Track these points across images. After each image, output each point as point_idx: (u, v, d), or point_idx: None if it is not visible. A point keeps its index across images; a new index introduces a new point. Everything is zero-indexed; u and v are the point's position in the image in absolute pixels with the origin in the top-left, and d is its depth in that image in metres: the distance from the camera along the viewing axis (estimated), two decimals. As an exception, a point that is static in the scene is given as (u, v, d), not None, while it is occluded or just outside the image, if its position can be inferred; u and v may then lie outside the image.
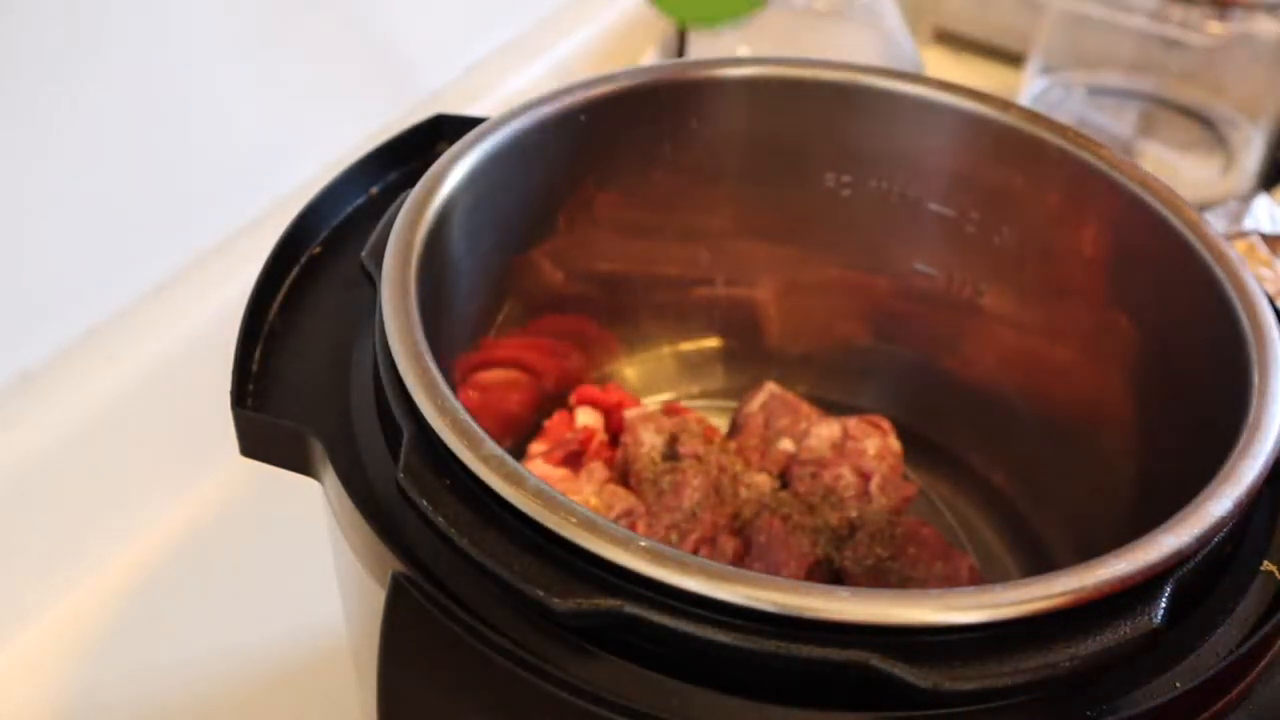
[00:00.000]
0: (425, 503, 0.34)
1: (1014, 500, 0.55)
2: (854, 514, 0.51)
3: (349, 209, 0.47)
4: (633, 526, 0.48)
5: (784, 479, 0.53)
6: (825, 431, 0.54)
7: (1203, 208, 0.69)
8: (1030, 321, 0.52)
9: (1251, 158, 0.88)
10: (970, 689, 0.30)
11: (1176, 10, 0.88)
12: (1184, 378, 0.44)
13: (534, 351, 0.55)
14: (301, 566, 0.55)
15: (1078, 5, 0.92)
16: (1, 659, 0.55)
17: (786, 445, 0.54)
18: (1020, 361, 0.54)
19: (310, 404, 0.40)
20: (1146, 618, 0.32)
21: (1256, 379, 0.38)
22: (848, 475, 0.52)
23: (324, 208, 0.46)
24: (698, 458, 0.51)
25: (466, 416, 0.34)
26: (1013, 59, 0.99)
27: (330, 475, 0.38)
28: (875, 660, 0.30)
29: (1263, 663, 0.34)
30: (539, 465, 0.52)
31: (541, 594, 0.31)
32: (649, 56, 0.95)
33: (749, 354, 0.59)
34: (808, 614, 0.30)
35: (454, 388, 0.36)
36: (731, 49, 0.87)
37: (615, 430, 0.54)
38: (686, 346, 0.59)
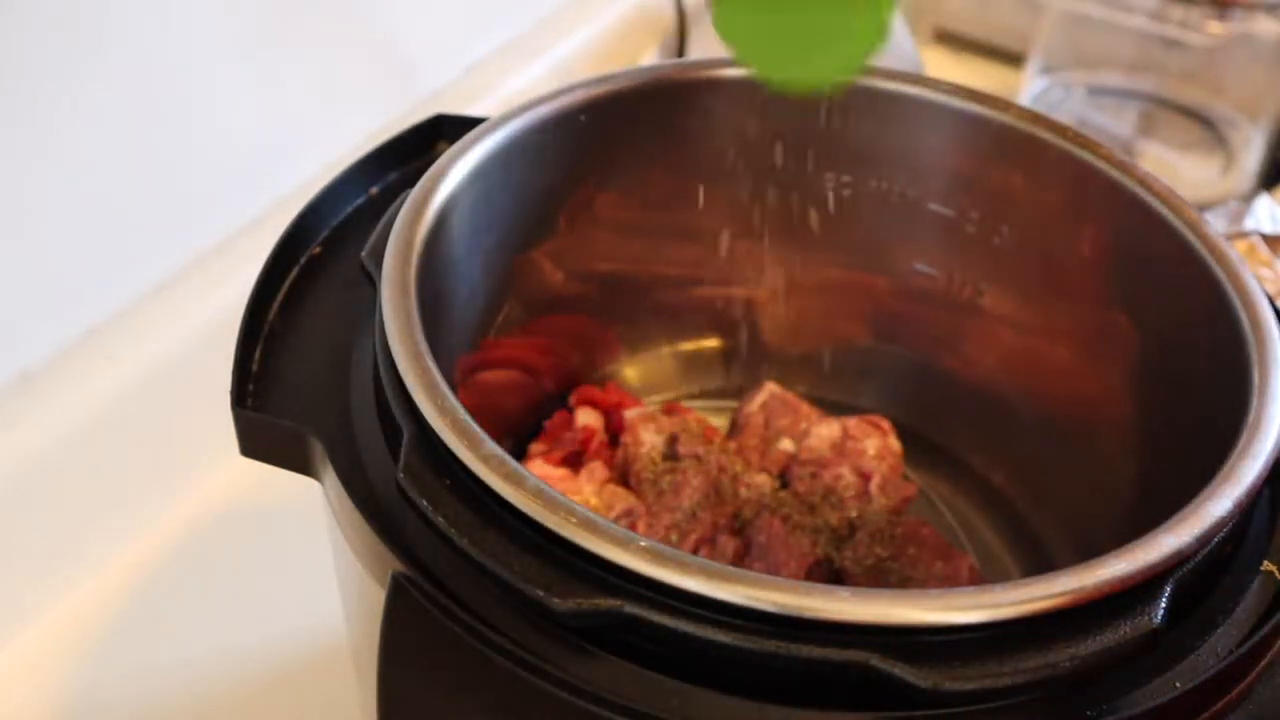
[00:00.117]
0: (425, 503, 0.34)
1: (1014, 500, 0.55)
2: (854, 514, 0.51)
3: (349, 209, 0.47)
4: (633, 526, 0.48)
5: (784, 479, 0.53)
6: (825, 431, 0.54)
7: (1203, 208, 0.69)
8: (1030, 321, 0.52)
9: (1251, 158, 0.88)
10: (970, 689, 0.30)
11: (1176, 10, 0.88)
12: (1184, 378, 0.44)
13: (534, 351, 0.55)
14: (301, 566, 0.55)
15: (1078, 5, 0.92)
16: (1, 659, 0.55)
17: (786, 445, 0.54)
18: (1020, 361, 0.54)
19: (310, 404, 0.40)
20: (1146, 618, 0.32)
21: (1256, 379, 0.38)
22: (848, 475, 0.52)
23: (324, 208, 0.46)
24: (698, 458, 0.51)
25: (466, 416, 0.34)
26: (1013, 59, 0.99)
27: (330, 475, 0.38)
28: (875, 660, 0.30)
29: (1263, 663, 0.34)
30: (539, 465, 0.52)
31: (541, 594, 0.31)
32: (649, 56, 0.95)
33: (749, 354, 0.59)
34: (808, 614, 0.30)
35: (454, 388, 0.36)
36: (731, 49, 0.87)
37: (615, 430, 0.54)
38: (686, 346, 0.59)
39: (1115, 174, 0.46)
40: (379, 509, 0.36)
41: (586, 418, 0.55)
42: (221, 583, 0.59)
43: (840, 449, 0.53)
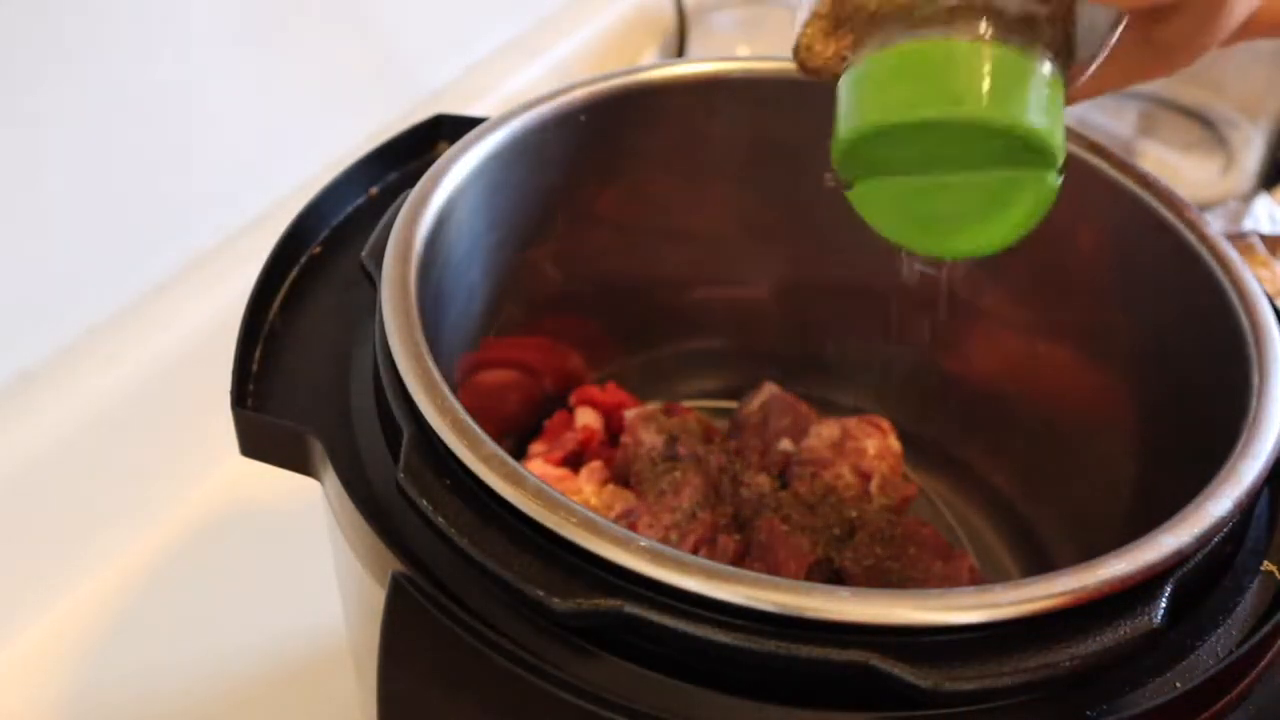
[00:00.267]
0: (425, 503, 0.34)
1: (1014, 500, 0.55)
2: (854, 514, 0.51)
3: (349, 209, 0.47)
4: (633, 526, 0.48)
5: (784, 479, 0.53)
6: (825, 431, 0.54)
7: (1203, 208, 0.69)
8: (1030, 321, 0.52)
9: (1251, 158, 0.88)
10: (970, 689, 0.30)
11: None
12: (1184, 378, 0.44)
13: (534, 351, 0.55)
14: (301, 566, 0.55)
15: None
16: (1, 659, 0.55)
17: (786, 445, 0.54)
18: (1020, 361, 0.53)
19: (310, 404, 0.40)
20: (1146, 618, 0.32)
21: (1256, 379, 0.38)
22: (848, 475, 0.52)
23: (324, 208, 0.46)
24: (697, 458, 0.51)
25: (466, 416, 0.34)
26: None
27: (330, 475, 0.38)
28: (875, 660, 0.30)
29: (1263, 663, 0.34)
30: (539, 465, 0.52)
31: (541, 594, 0.31)
32: (649, 56, 0.95)
33: (749, 354, 0.59)
34: (808, 614, 0.30)
35: (454, 388, 0.36)
36: (731, 49, 0.87)
37: (615, 430, 0.54)
38: (686, 346, 0.59)
39: (1115, 174, 0.46)
40: (379, 509, 0.36)
41: (586, 418, 0.55)
42: (221, 583, 0.59)
43: (840, 449, 0.53)
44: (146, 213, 0.60)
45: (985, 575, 0.51)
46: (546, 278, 0.53)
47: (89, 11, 0.53)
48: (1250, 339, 0.40)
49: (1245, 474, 0.35)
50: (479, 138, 0.45)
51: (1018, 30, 0.34)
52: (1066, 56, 0.35)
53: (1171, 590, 0.33)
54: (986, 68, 0.33)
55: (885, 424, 0.55)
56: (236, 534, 0.62)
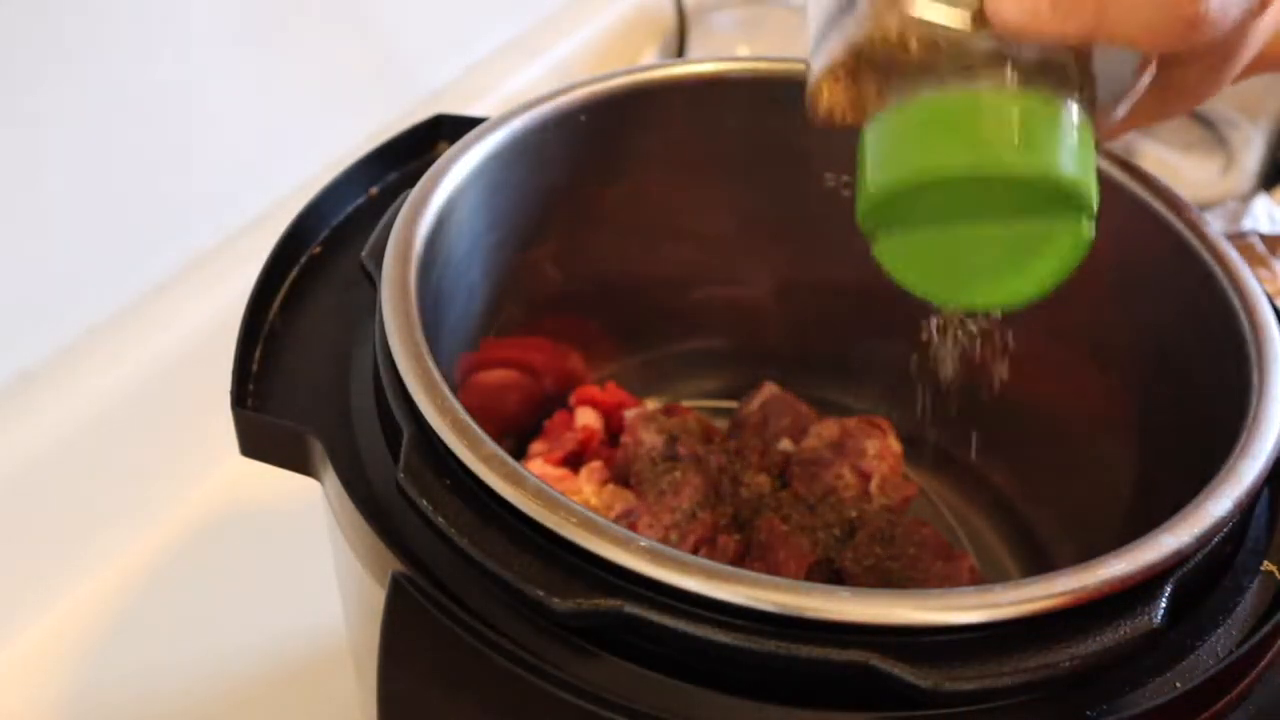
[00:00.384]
0: (425, 503, 0.34)
1: (1014, 500, 0.55)
2: (854, 514, 0.51)
3: (349, 209, 0.47)
4: (633, 526, 0.48)
5: (784, 479, 0.53)
6: (825, 431, 0.54)
7: (1203, 208, 0.69)
8: (1030, 321, 0.52)
9: (1251, 158, 0.88)
10: (970, 689, 0.30)
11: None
12: (1184, 378, 0.44)
13: (534, 351, 0.55)
14: (301, 566, 0.55)
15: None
16: (1, 659, 0.55)
17: (786, 445, 0.54)
18: (1020, 362, 0.53)
19: (310, 404, 0.40)
20: (1146, 618, 0.32)
21: (1256, 379, 0.38)
22: (848, 475, 0.52)
23: (324, 208, 0.46)
24: (698, 458, 0.51)
25: (466, 416, 0.34)
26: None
27: (330, 475, 0.38)
28: (875, 660, 0.30)
29: (1263, 663, 0.34)
30: (539, 465, 0.52)
31: (541, 594, 0.31)
32: (649, 56, 0.95)
33: (749, 354, 0.59)
34: (808, 614, 0.30)
35: (454, 388, 0.36)
36: (731, 49, 0.87)
37: (615, 430, 0.54)
38: (686, 346, 0.59)
39: (1115, 174, 0.46)
40: (379, 509, 0.36)
41: (586, 418, 0.55)
42: (221, 583, 0.59)
43: (840, 449, 0.53)
44: (146, 213, 0.60)
45: (985, 575, 0.51)
46: (546, 278, 0.53)
47: (89, 11, 0.53)
48: (1250, 339, 0.40)
49: (1245, 474, 0.35)
50: (479, 138, 0.45)
51: (1043, 77, 0.33)
52: (1091, 102, 0.35)
53: (1171, 590, 0.33)
54: (1017, 117, 0.33)
55: (885, 424, 0.55)
56: (236, 534, 0.62)
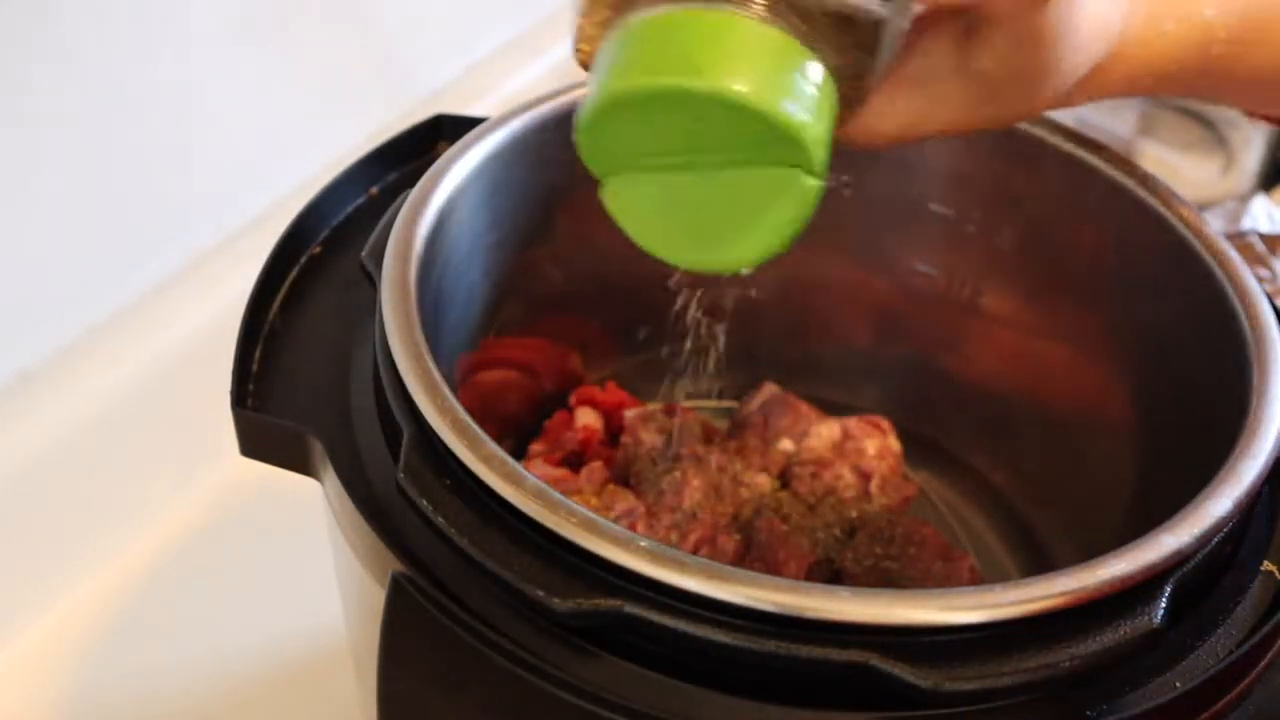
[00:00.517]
0: (425, 503, 0.34)
1: (1014, 500, 0.55)
2: (854, 514, 0.51)
3: (349, 209, 0.47)
4: (633, 526, 0.48)
5: (784, 479, 0.53)
6: (825, 431, 0.54)
7: (1202, 208, 0.69)
8: (1030, 321, 0.52)
9: (1251, 158, 0.88)
10: (970, 689, 0.30)
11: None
12: (1184, 378, 0.44)
13: (534, 351, 0.55)
14: (301, 566, 0.55)
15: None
16: (1, 659, 0.55)
17: (786, 445, 0.54)
18: (1020, 361, 0.53)
19: (310, 404, 0.40)
20: (1146, 618, 0.32)
21: (1256, 379, 0.38)
22: (848, 475, 0.52)
23: (324, 208, 0.46)
24: (698, 458, 0.51)
25: (466, 416, 0.34)
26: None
27: (330, 475, 0.38)
28: (875, 660, 0.30)
29: (1263, 663, 0.34)
30: (539, 465, 0.52)
31: (541, 594, 0.31)
32: (649, 56, 0.95)
33: (749, 354, 0.59)
34: (808, 614, 0.30)
35: (454, 388, 0.36)
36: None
37: (615, 430, 0.54)
38: (686, 346, 0.59)
39: (1115, 174, 0.46)
40: (379, 509, 0.36)
41: (586, 418, 0.55)
42: (222, 582, 0.59)
43: (840, 449, 0.53)
44: (146, 213, 0.60)
45: (985, 575, 0.51)
46: (546, 278, 0.53)
47: (89, 11, 0.53)
48: (1250, 339, 0.40)
49: (1245, 474, 0.35)
50: (479, 138, 0.45)
51: (791, 17, 0.30)
52: (857, 66, 0.32)
53: (1171, 590, 0.33)
54: (736, 40, 0.30)
55: (885, 424, 0.55)
56: (236, 534, 0.62)
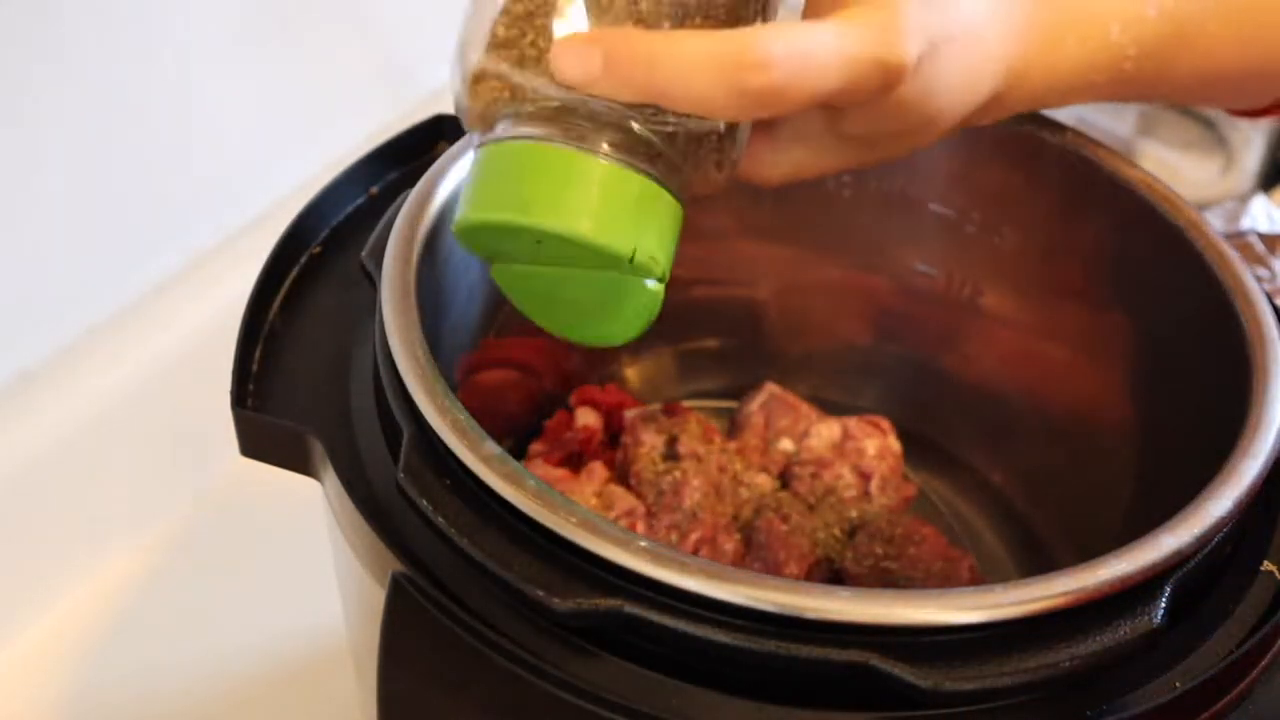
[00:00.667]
0: (425, 503, 0.34)
1: (1014, 500, 0.55)
2: (854, 514, 0.51)
3: (349, 209, 0.47)
4: (633, 526, 0.48)
5: (784, 479, 0.53)
6: (825, 431, 0.54)
7: (1202, 208, 0.69)
8: (1030, 321, 0.52)
9: (1251, 158, 0.88)
10: (970, 689, 0.30)
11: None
12: (1184, 378, 0.44)
13: (534, 351, 0.55)
14: (301, 566, 0.55)
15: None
16: (1, 659, 0.55)
17: (786, 445, 0.54)
18: (1020, 361, 0.53)
19: (310, 404, 0.40)
20: (1146, 618, 0.32)
21: (1256, 379, 0.38)
22: (848, 475, 0.52)
23: (324, 208, 0.46)
24: (698, 458, 0.51)
25: (466, 416, 0.34)
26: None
27: (330, 475, 0.38)
28: (875, 660, 0.30)
29: (1263, 663, 0.34)
30: (539, 465, 0.52)
31: (541, 594, 0.31)
32: (649, 56, 0.95)
33: (749, 354, 0.59)
34: (808, 614, 0.30)
35: (454, 388, 0.36)
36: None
37: (615, 430, 0.54)
38: (686, 346, 0.59)
39: (1115, 174, 0.46)
40: (379, 509, 0.36)
41: (586, 418, 0.54)
42: (222, 582, 0.59)
43: (840, 449, 0.53)
44: (146, 213, 0.60)
45: (985, 575, 0.51)
46: (546, 278, 0.53)
47: (89, 11, 0.53)
48: (1250, 339, 0.40)
49: (1245, 474, 0.35)
50: (479, 138, 0.45)
51: (620, 136, 0.33)
52: (714, 156, 0.35)
53: (1171, 590, 0.33)
54: (565, 174, 0.33)
55: (885, 424, 0.55)
56: (236, 534, 0.62)
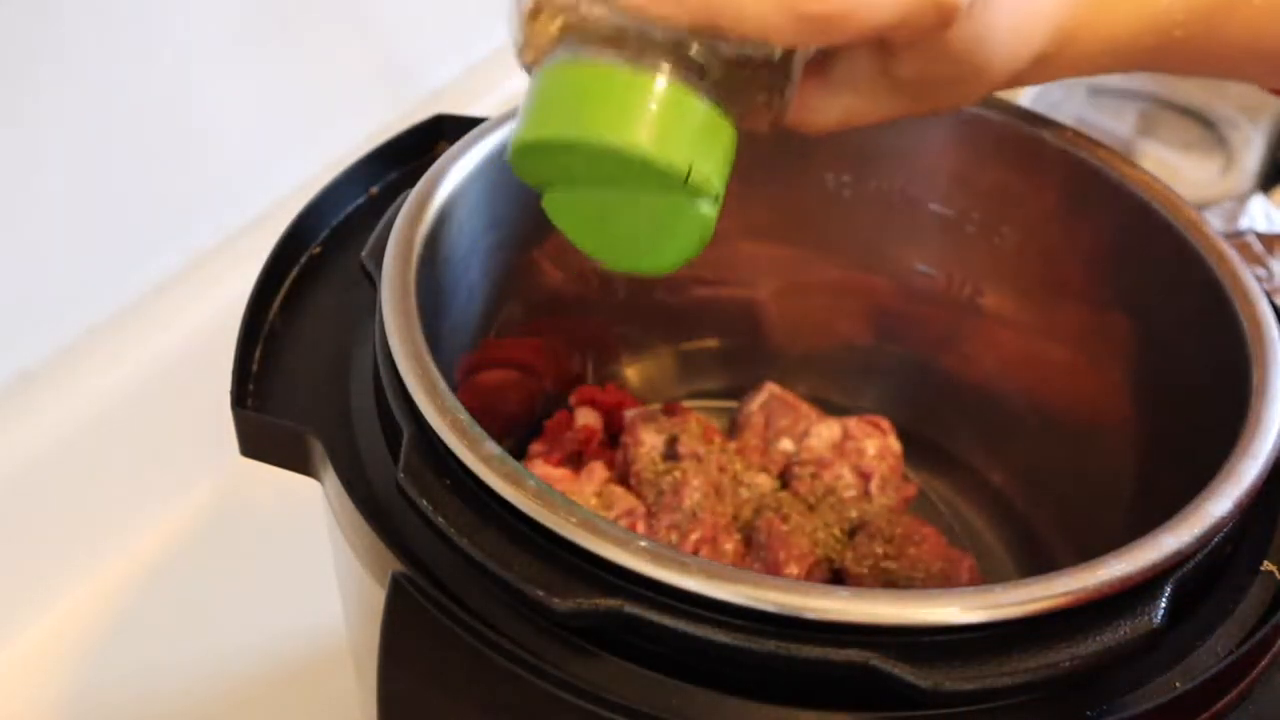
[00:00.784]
0: (425, 503, 0.34)
1: (1014, 500, 0.55)
2: (854, 514, 0.51)
3: (349, 209, 0.47)
4: (633, 526, 0.48)
5: (784, 479, 0.53)
6: (825, 431, 0.54)
7: (1202, 208, 0.69)
8: (1030, 321, 0.52)
9: (1251, 158, 0.88)
10: (970, 689, 0.30)
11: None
12: (1184, 377, 0.44)
13: (534, 351, 0.55)
14: (301, 566, 0.55)
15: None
16: (1, 659, 0.55)
17: (786, 445, 0.54)
18: (1020, 361, 0.54)
19: (310, 404, 0.40)
20: (1146, 618, 0.32)
21: (1256, 379, 0.38)
22: (848, 475, 0.52)
23: (324, 208, 0.46)
24: (698, 458, 0.51)
25: (466, 416, 0.34)
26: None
27: (330, 475, 0.38)
28: (875, 660, 0.30)
29: (1263, 663, 0.34)
30: (539, 465, 0.52)
31: (541, 594, 0.31)
32: (649, 56, 0.95)
33: (749, 354, 0.59)
34: (808, 614, 0.30)
35: (454, 388, 0.36)
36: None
37: (615, 430, 0.54)
38: (686, 346, 0.59)
39: (1115, 174, 0.46)
40: (379, 509, 0.36)
41: (586, 418, 0.55)
42: (222, 582, 0.59)
43: (840, 449, 0.53)
44: (146, 213, 0.60)
45: (985, 575, 0.51)
46: (546, 278, 0.53)
47: (89, 11, 0.53)
48: (1250, 339, 0.40)
49: (1245, 474, 0.35)
50: (479, 138, 0.45)
51: (676, 60, 0.33)
52: (768, 90, 0.35)
53: (1171, 590, 0.33)
54: (623, 92, 0.33)
55: (885, 424, 0.55)
56: (236, 534, 0.62)
